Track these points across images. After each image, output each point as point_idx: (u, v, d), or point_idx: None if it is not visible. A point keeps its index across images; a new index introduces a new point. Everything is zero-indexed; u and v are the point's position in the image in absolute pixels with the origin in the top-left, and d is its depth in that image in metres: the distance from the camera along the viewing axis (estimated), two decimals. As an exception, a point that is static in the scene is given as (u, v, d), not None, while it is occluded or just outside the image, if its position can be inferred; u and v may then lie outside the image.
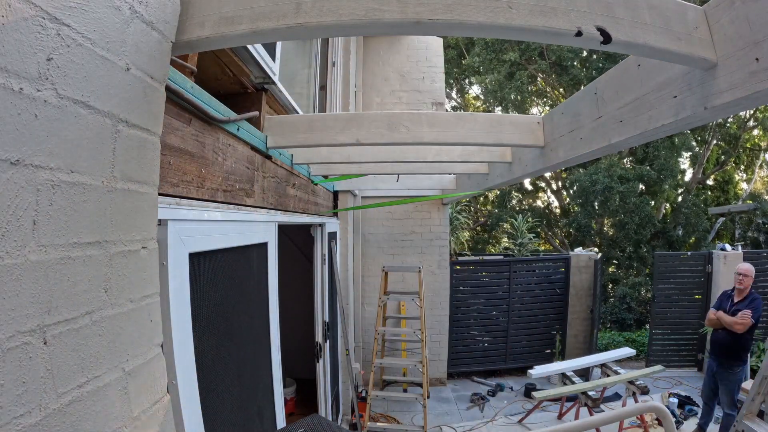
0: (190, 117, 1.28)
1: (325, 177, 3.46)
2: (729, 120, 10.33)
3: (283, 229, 2.35)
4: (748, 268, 3.88)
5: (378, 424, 4.31)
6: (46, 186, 0.63)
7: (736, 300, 3.88)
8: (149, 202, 0.91)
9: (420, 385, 4.87)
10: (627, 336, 7.97)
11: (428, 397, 4.64)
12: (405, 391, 5.22)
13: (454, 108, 14.10)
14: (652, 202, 10.21)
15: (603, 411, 4.68)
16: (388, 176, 4.37)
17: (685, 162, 11.40)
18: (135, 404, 0.83)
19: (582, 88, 1.82)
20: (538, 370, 4.70)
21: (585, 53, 10.22)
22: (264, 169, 2.00)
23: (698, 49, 0.98)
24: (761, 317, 3.82)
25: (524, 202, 13.41)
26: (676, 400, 4.82)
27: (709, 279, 6.20)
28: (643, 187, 9.95)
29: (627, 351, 5.22)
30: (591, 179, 9.28)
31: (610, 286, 9.88)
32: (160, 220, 1.05)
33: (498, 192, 11.88)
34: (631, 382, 4.56)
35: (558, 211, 13.28)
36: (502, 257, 7.77)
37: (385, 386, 4.86)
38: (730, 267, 5.98)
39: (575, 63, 10.25)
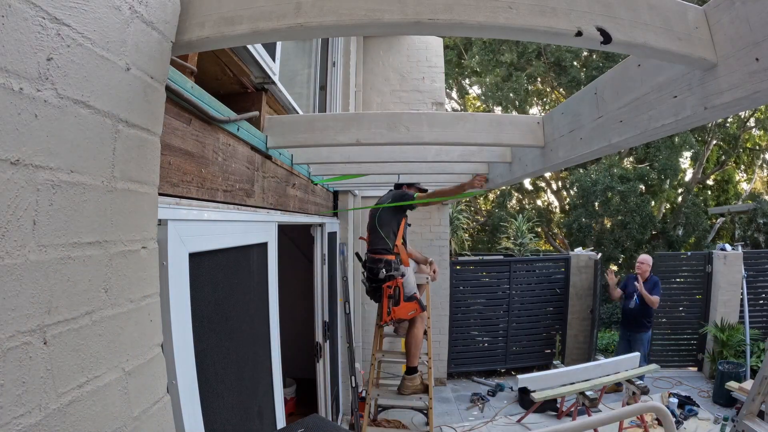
0: (190, 117, 1.28)
1: (325, 177, 3.46)
2: (729, 120, 10.33)
3: (283, 229, 2.35)
4: (646, 258, 5.43)
5: (378, 428, 4.29)
6: (46, 186, 0.63)
7: (642, 281, 5.32)
8: (149, 202, 0.91)
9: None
10: (627, 336, 7.96)
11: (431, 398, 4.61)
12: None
13: (453, 108, 14.10)
14: (653, 202, 10.20)
15: (601, 411, 4.68)
16: (388, 176, 4.36)
17: (685, 162, 11.40)
18: (135, 404, 0.83)
19: (581, 88, 1.81)
20: (536, 382, 4.60)
21: (586, 53, 10.22)
22: (264, 169, 2.00)
23: (698, 50, 0.98)
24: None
25: (524, 202, 13.41)
26: (676, 400, 4.82)
27: (709, 279, 6.20)
28: (643, 187, 9.94)
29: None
30: (592, 179, 9.27)
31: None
32: (160, 220, 1.05)
33: (498, 192, 11.88)
34: (630, 382, 4.56)
35: (558, 210, 13.28)
36: (502, 257, 7.76)
37: (379, 413, 4.70)
38: (731, 267, 5.99)
39: (575, 63, 10.24)
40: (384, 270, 3.29)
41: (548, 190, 13.52)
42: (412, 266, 3.50)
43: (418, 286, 3.75)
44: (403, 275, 3.34)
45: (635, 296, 5.22)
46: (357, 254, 3.77)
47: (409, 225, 3.79)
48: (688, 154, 10.60)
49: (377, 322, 3.84)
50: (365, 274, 3.55)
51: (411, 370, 3.54)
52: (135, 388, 0.83)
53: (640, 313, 5.17)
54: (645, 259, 5.39)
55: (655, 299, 5.13)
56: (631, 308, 5.25)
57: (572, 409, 4.59)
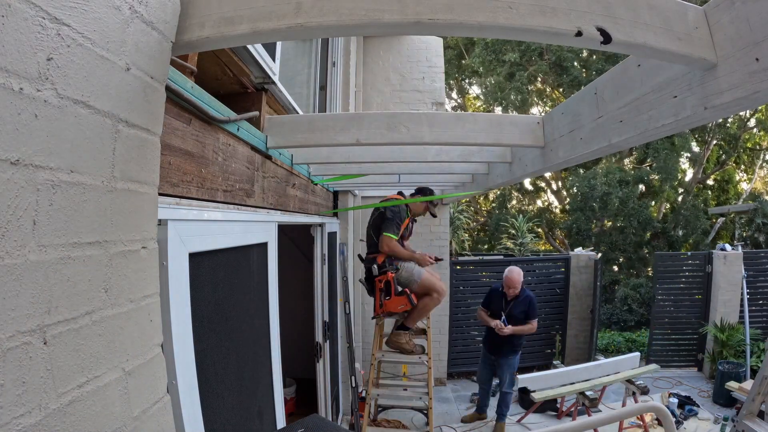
0: (190, 117, 1.28)
1: (325, 177, 3.46)
2: (729, 120, 10.33)
3: (283, 229, 2.35)
4: (514, 271, 4.22)
5: (378, 428, 4.29)
6: (46, 186, 0.63)
7: (509, 298, 4.23)
8: (149, 202, 0.91)
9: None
10: (627, 336, 7.96)
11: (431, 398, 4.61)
12: (405, 390, 5.20)
13: (454, 108, 14.10)
14: (653, 202, 10.20)
15: (601, 411, 4.68)
16: (388, 176, 4.37)
17: (685, 162, 11.41)
18: (135, 404, 0.83)
19: (582, 88, 1.81)
20: (536, 382, 4.62)
21: (585, 53, 10.22)
22: (264, 169, 2.00)
23: (698, 50, 0.98)
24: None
25: (524, 202, 13.42)
26: (676, 400, 4.82)
27: (709, 279, 6.20)
28: (643, 188, 9.94)
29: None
30: (589, 184, 9.28)
31: (616, 287, 9.85)
32: (160, 220, 1.05)
33: (498, 192, 11.88)
34: (630, 382, 4.56)
35: (558, 211, 13.29)
36: (502, 257, 7.76)
37: (379, 413, 4.75)
38: (730, 267, 5.99)
39: (575, 63, 10.25)
40: (376, 266, 3.39)
41: (548, 190, 13.52)
42: (408, 263, 3.53)
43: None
44: (396, 270, 3.40)
45: (503, 316, 4.20)
46: (359, 256, 3.88)
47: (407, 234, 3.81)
48: (687, 155, 10.60)
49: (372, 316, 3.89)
50: (364, 273, 3.64)
51: (401, 327, 3.58)
52: (135, 388, 0.83)
53: (503, 337, 4.21)
54: (513, 274, 4.18)
55: (531, 327, 4.16)
56: (494, 332, 4.22)
57: (572, 409, 4.59)
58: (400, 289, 3.40)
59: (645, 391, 4.50)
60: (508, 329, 4.00)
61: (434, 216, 3.88)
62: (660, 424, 4.32)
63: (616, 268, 10.22)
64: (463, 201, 9.25)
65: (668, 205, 11.12)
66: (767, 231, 8.52)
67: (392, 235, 3.39)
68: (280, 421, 2.08)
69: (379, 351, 3.80)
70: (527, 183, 12.85)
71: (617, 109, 1.41)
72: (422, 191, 3.61)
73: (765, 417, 3.37)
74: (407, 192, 3.83)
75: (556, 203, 13.71)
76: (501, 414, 4.39)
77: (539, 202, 13.82)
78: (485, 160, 2.58)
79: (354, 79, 4.78)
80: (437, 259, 3.80)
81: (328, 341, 3.80)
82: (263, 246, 1.95)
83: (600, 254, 6.87)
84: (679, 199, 10.80)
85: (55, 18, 0.63)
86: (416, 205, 3.59)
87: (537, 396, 4.40)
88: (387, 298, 3.36)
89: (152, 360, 0.90)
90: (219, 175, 1.49)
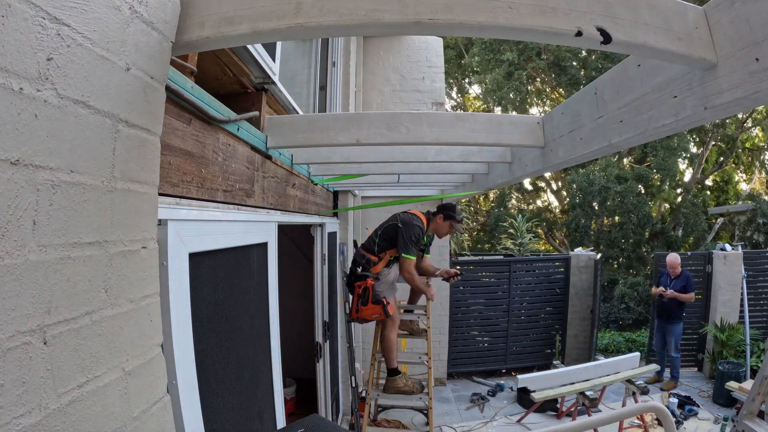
0: (190, 117, 1.28)
1: (325, 177, 3.46)
2: (728, 120, 10.33)
3: (283, 229, 2.35)
4: (671, 258, 5.74)
5: (378, 428, 4.29)
6: (46, 186, 0.63)
7: (672, 278, 5.66)
8: (149, 202, 0.91)
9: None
10: (627, 336, 7.97)
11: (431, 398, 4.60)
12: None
13: (453, 108, 14.11)
14: (651, 203, 10.21)
15: (601, 411, 4.68)
16: (388, 176, 4.37)
17: (683, 162, 11.40)
18: (135, 404, 0.83)
19: (581, 88, 1.81)
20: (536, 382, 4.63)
21: (584, 53, 10.23)
22: (264, 169, 2.00)
23: (698, 50, 0.98)
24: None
25: (522, 203, 13.42)
26: (676, 400, 4.83)
27: (709, 279, 6.20)
28: (642, 189, 9.95)
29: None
30: (588, 179, 9.28)
31: (614, 286, 9.85)
32: (160, 220, 1.05)
33: (498, 192, 11.88)
34: (630, 382, 4.56)
35: (558, 211, 13.29)
36: (502, 257, 7.76)
37: (379, 413, 4.74)
38: (731, 267, 5.99)
39: (573, 63, 10.25)
40: (361, 267, 3.36)
41: (548, 190, 13.53)
42: (391, 274, 3.51)
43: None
44: (376, 279, 3.37)
45: (667, 290, 5.59)
46: (355, 242, 3.80)
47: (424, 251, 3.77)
48: (686, 155, 10.60)
49: (347, 318, 3.89)
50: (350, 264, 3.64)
51: (392, 372, 3.55)
52: (135, 388, 0.83)
53: (672, 304, 5.53)
54: (670, 259, 5.76)
55: (688, 296, 5.47)
56: (664, 301, 5.58)
57: (572, 409, 4.59)
58: (378, 297, 3.36)
59: (645, 391, 4.50)
60: (669, 293, 5.46)
61: (461, 232, 3.88)
62: (660, 424, 4.32)
63: (615, 265, 10.20)
64: (463, 201, 9.25)
65: (667, 206, 11.13)
66: (767, 231, 8.52)
67: (412, 257, 3.32)
68: (280, 421, 2.08)
69: (379, 352, 3.80)
70: (527, 183, 12.86)
71: (617, 109, 1.41)
72: (445, 209, 3.51)
73: (765, 417, 3.37)
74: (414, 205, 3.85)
75: (555, 203, 13.72)
76: (674, 377, 5.56)
77: (539, 202, 13.82)
78: (485, 160, 2.58)
79: (354, 79, 4.78)
80: (457, 275, 3.76)
81: (328, 341, 3.80)
82: (263, 246, 1.95)
83: (600, 254, 6.87)
84: (678, 199, 10.80)
85: (55, 18, 0.63)
86: (440, 225, 3.51)
87: (537, 396, 4.40)
88: (363, 304, 3.33)
89: (152, 360, 0.90)
90: (219, 175, 1.49)
